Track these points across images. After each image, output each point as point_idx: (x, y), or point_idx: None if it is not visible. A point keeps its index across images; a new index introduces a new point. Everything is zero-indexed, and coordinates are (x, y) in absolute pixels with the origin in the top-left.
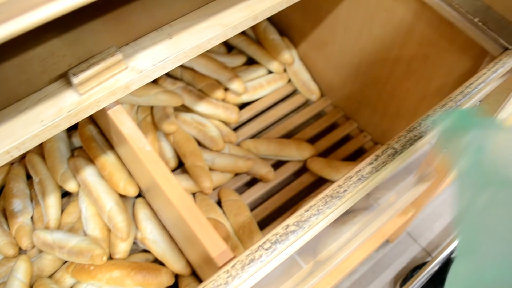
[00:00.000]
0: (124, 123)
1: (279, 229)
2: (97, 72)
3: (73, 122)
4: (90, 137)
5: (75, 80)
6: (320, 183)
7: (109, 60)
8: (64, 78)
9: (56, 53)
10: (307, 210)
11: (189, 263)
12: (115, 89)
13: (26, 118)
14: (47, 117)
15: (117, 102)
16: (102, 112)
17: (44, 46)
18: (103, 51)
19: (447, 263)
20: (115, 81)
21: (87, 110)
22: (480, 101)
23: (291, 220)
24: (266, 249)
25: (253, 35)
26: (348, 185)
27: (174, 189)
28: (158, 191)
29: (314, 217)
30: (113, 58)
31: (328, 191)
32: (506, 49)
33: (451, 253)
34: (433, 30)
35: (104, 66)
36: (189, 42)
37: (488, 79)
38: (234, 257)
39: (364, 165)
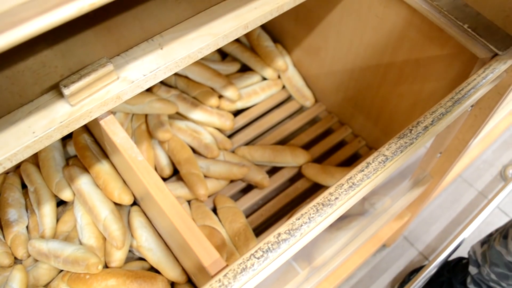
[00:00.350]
0: (117, 133)
1: (270, 237)
2: (88, 83)
3: (65, 133)
4: (85, 146)
5: (66, 91)
6: (315, 189)
7: (100, 71)
8: (56, 89)
9: (47, 64)
10: (299, 218)
11: (184, 271)
12: (106, 100)
13: (18, 130)
14: (39, 128)
15: (109, 112)
16: (95, 122)
17: (36, 58)
18: (94, 62)
19: (444, 266)
20: (106, 92)
21: (79, 121)
22: (471, 106)
23: (283, 228)
24: (258, 258)
25: (247, 42)
26: (339, 192)
27: (166, 198)
28: (151, 200)
29: (305, 225)
30: (104, 69)
31: (319, 199)
32: (496, 54)
33: (448, 256)
34: (424, 36)
35: (95, 77)
36: (180, 52)
37: (478, 85)
38: (226, 266)
39: (355, 173)
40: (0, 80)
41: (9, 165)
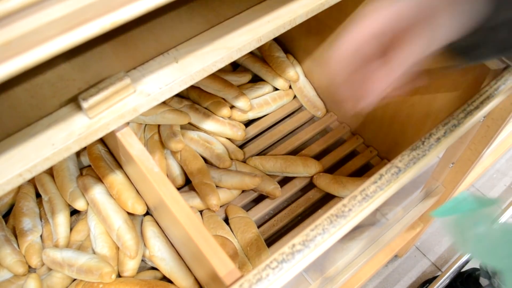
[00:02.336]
0: (133, 145)
1: (285, 248)
2: (106, 97)
3: (83, 145)
4: (99, 157)
5: (85, 104)
6: (327, 199)
7: (118, 84)
8: (74, 102)
9: (65, 77)
10: (313, 230)
11: (197, 281)
12: (123, 113)
13: (38, 142)
14: (58, 141)
15: (125, 124)
16: (111, 134)
17: (54, 71)
18: (111, 76)
19: (457, 277)
20: (123, 105)
21: (96, 133)
22: (484, 117)
23: (297, 239)
24: (273, 269)
25: (258, 53)
26: (353, 204)
27: (181, 209)
28: (166, 211)
29: (319, 236)
30: (121, 82)
31: (333, 210)
32: (508, 66)
33: (461, 267)
34: None
35: (113, 90)
36: (195, 65)
37: (491, 96)
38: (241, 277)
39: (368, 184)
40: (19, 93)
41: (29, 176)
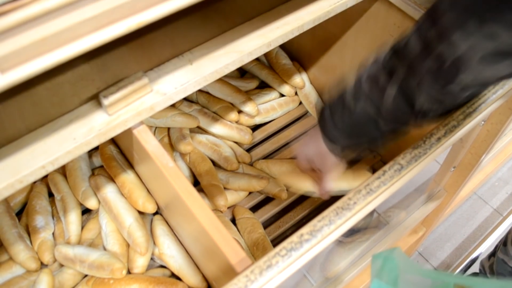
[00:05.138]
0: (149, 141)
1: (294, 237)
2: (125, 95)
3: (102, 140)
4: (111, 157)
5: (106, 101)
6: (331, 201)
7: (136, 83)
8: (94, 100)
9: (85, 77)
10: (320, 221)
11: (204, 278)
12: (141, 111)
13: (60, 136)
14: (79, 136)
15: (141, 122)
16: (127, 131)
17: (74, 71)
18: (130, 76)
19: None
20: (141, 103)
21: (115, 130)
22: (483, 121)
23: (305, 229)
24: (282, 256)
25: (265, 60)
26: (358, 198)
27: (196, 201)
28: (180, 204)
29: (326, 227)
30: (140, 82)
31: (339, 203)
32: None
33: (463, 272)
34: None
35: (132, 89)
36: (208, 67)
37: (489, 100)
38: (252, 264)
39: (372, 180)
40: (41, 91)
41: (51, 168)
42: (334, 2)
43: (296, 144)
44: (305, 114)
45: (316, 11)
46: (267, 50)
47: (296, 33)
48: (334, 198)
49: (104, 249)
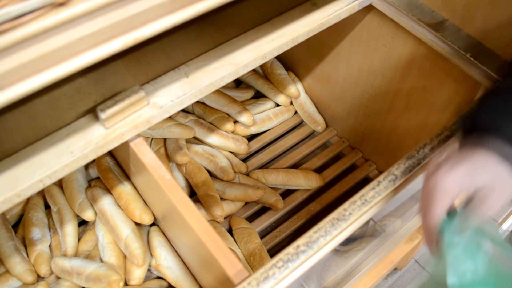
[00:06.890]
0: (146, 154)
1: (290, 249)
2: (122, 108)
3: (99, 153)
4: (107, 168)
5: (103, 115)
6: (328, 211)
7: (133, 97)
8: (91, 114)
9: (82, 90)
10: (316, 232)
11: None
12: (137, 124)
13: (57, 150)
14: (76, 149)
15: (138, 135)
16: (124, 144)
17: (71, 85)
18: (127, 89)
19: None
20: (137, 116)
21: (112, 143)
22: None
23: (301, 240)
24: (279, 267)
25: (261, 70)
26: (353, 208)
27: (193, 213)
28: (177, 216)
29: (322, 238)
30: (136, 95)
31: (334, 214)
32: (498, 81)
33: None
34: (430, 63)
35: (128, 102)
36: (204, 80)
37: None
38: (249, 275)
39: (367, 190)
40: (38, 105)
41: (49, 182)
42: (328, 14)
43: (433, 179)
44: (300, 124)
45: (310, 24)
46: (262, 62)
47: (291, 45)
48: (331, 209)
49: (101, 261)
